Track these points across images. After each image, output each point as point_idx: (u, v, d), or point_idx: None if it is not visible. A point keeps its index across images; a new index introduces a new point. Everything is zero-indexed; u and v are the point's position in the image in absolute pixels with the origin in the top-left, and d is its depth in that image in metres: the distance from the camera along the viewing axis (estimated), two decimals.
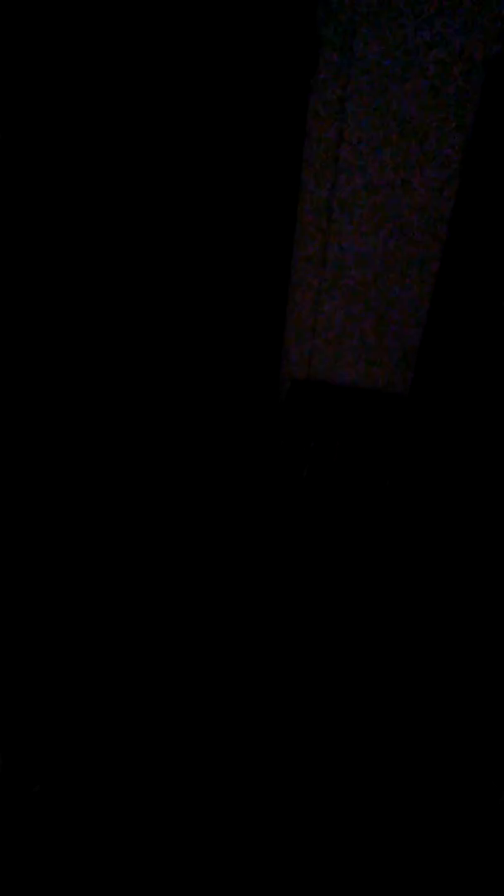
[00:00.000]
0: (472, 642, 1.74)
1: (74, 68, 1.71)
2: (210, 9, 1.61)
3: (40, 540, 2.04)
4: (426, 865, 1.32)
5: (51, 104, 1.76)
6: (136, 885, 1.34)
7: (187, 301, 2.10)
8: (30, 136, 1.81)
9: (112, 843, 1.40)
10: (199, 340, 2.19)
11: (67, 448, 2.30)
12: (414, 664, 1.70)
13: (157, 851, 1.39)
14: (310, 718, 1.59)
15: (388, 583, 1.88)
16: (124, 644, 1.76)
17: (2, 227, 1.96)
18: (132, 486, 2.24)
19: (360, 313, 2.08)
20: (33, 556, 1.98)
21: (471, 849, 1.36)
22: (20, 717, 1.58)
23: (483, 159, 1.65)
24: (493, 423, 1.85)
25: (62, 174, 1.87)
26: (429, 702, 1.62)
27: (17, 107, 1.77)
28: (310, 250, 1.98)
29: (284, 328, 2.21)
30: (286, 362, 2.28)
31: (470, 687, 1.65)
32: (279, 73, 1.67)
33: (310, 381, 2.28)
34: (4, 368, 2.19)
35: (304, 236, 1.95)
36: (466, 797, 1.43)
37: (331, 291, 2.07)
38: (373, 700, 1.63)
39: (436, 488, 1.96)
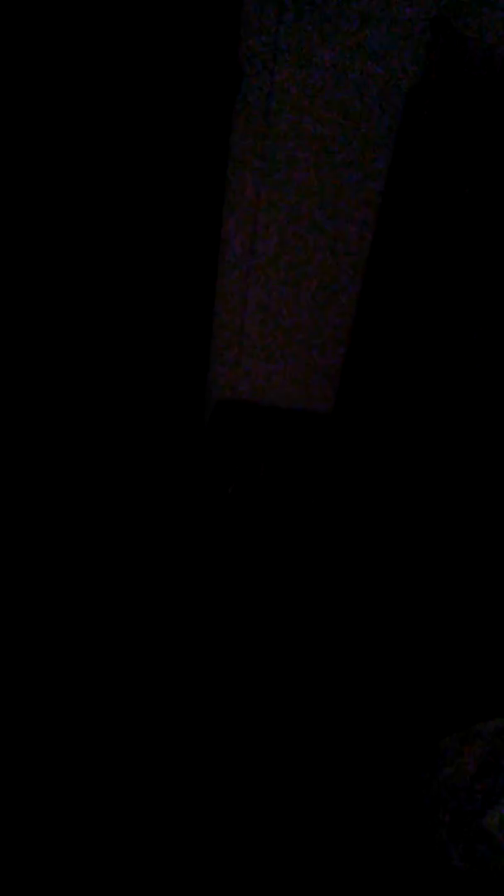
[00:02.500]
0: (400, 652, 1.73)
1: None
2: (146, 38, 1.63)
3: None
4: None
5: None
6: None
7: (110, 322, 2.06)
8: None
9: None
10: (120, 361, 2.14)
11: None
12: (345, 675, 1.67)
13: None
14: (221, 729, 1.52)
15: (312, 592, 1.85)
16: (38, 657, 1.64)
17: None
18: (50, 505, 2.13)
19: (285, 334, 2.10)
20: None
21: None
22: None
23: (402, 187, 1.72)
24: (411, 439, 1.88)
25: None
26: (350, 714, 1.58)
27: None
28: (234, 269, 1.99)
29: (210, 349, 2.20)
30: (212, 383, 2.27)
31: (390, 690, 1.62)
32: (204, 100, 1.70)
33: (235, 401, 2.27)
34: None
35: (228, 253, 1.96)
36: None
37: (255, 313, 2.08)
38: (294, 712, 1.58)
39: (358, 502, 1.97)
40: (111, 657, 1.70)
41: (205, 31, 1.62)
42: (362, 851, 1.34)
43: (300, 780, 1.47)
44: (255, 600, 1.83)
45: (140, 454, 2.29)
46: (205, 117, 1.73)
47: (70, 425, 2.22)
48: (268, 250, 1.95)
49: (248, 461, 2.06)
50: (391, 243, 1.75)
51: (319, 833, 1.38)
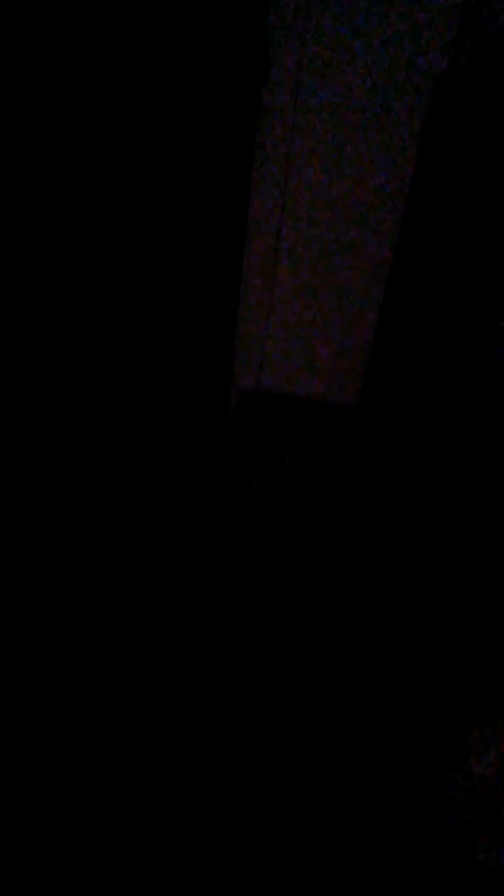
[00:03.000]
0: (424, 645, 1.74)
1: (40, 80, 1.69)
2: (176, 26, 1.62)
3: None
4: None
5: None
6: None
7: (136, 312, 2.07)
8: None
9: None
10: (147, 352, 2.15)
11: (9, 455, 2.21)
12: (368, 669, 1.68)
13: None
14: (255, 719, 1.54)
15: (338, 587, 1.86)
16: (65, 652, 1.68)
17: None
18: (75, 496, 2.17)
19: (311, 326, 2.10)
20: None
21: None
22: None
23: (429, 175, 1.69)
24: (439, 433, 1.87)
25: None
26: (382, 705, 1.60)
27: None
28: (260, 260, 1.99)
29: (235, 340, 2.20)
30: (237, 374, 2.27)
31: (422, 688, 1.63)
32: (232, 88, 1.69)
33: (260, 392, 2.27)
34: None
35: (254, 246, 1.96)
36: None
37: (281, 303, 2.08)
38: (324, 703, 1.60)
39: (385, 496, 1.97)
40: (130, 646, 1.73)
41: (232, 18, 1.61)
42: (385, 844, 1.36)
43: (325, 770, 1.49)
44: (279, 591, 1.85)
45: (164, 443, 2.31)
46: (230, 104, 1.72)
47: (93, 414, 2.25)
48: (294, 239, 1.94)
49: (274, 453, 2.07)
50: (420, 234, 1.73)
51: (342, 824, 1.40)
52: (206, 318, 2.10)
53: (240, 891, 1.29)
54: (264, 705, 1.61)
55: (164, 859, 1.35)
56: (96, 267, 1.99)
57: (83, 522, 2.08)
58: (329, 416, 2.16)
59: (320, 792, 1.45)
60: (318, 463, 2.03)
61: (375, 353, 1.98)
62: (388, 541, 1.94)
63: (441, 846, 1.27)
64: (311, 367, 2.18)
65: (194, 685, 1.65)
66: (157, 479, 2.25)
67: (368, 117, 1.70)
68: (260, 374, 2.24)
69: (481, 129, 1.42)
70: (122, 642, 1.74)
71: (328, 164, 1.78)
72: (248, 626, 1.79)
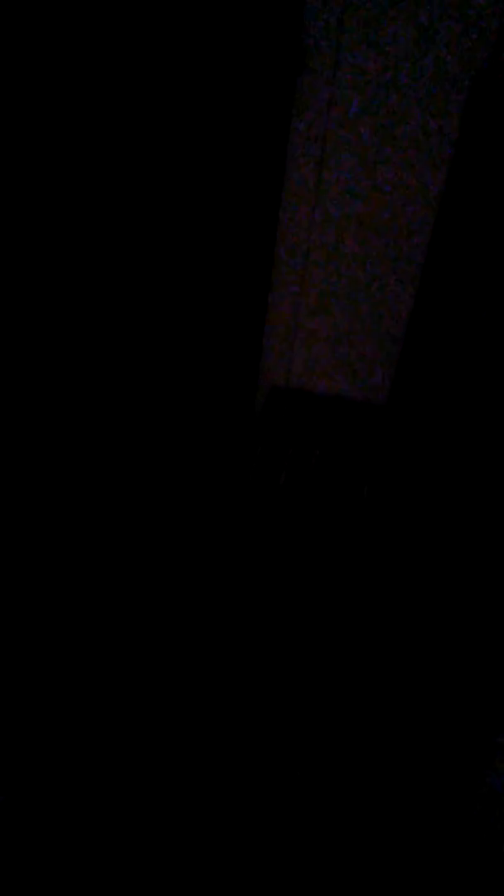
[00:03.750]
0: (451, 646, 1.73)
1: (77, 81, 1.69)
2: (205, 18, 1.61)
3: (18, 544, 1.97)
4: (426, 863, 1.30)
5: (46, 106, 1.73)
6: (137, 885, 1.30)
7: (163, 304, 2.08)
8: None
9: (113, 843, 1.37)
10: (174, 344, 2.16)
11: (33, 450, 2.23)
12: (395, 667, 1.68)
13: (158, 852, 1.36)
14: (286, 720, 1.55)
15: (364, 586, 1.86)
16: (98, 648, 1.70)
17: None
18: (102, 491, 2.19)
19: (341, 322, 2.09)
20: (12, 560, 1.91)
21: (469, 844, 1.33)
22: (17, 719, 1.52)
23: (467, 173, 1.67)
24: (470, 433, 1.86)
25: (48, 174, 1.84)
26: (408, 705, 1.60)
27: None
28: (291, 255, 1.98)
29: (263, 335, 2.20)
30: (266, 370, 2.27)
31: (449, 687, 1.63)
32: (265, 78, 1.68)
33: (289, 388, 2.27)
34: None
35: (285, 240, 1.95)
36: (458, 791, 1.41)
37: (312, 298, 2.07)
38: (350, 700, 1.60)
39: (413, 496, 1.96)
40: (152, 639, 1.75)
41: (267, 10, 1.59)
42: (419, 845, 1.36)
43: (360, 769, 1.50)
44: (304, 587, 1.86)
45: (191, 439, 2.32)
46: (265, 98, 1.71)
47: (122, 407, 2.26)
48: (326, 235, 1.93)
49: (301, 449, 2.07)
50: (455, 231, 1.71)
51: (376, 824, 1.41)
52: (235, 313, 2.10)
53: (240, 890, 1.31)
54: (288, 703, 1.62)
55: (164, 858, 1.36)
56: (130, 263, 2.00)
57: (111, 516, 2.10)
58: (357, 413, 2.15)
59: (358, 787, 1.46)
60: (346, 460, 2.03)
61: (406, 352, 1.97)
62: (415, 541, 1.93)
63: (475, 847, 1.27)
64: (339, 363, 2.17)
65: (218, 679, 1.66)
66: (185, 473, 2.26)
67: (405, 111, 1.68)
68: (289, 369, 2.23)
69: None
70: (145, 635, 1.76)
71: (363, 158, 1.77)
72: (273, 621, 1.79)
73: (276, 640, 1.74)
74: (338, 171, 1.80)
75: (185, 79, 1.69)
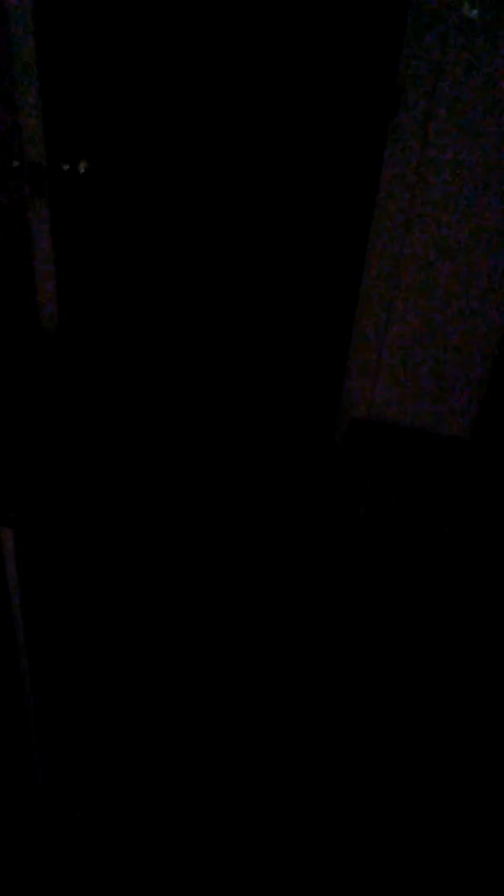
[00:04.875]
0: None
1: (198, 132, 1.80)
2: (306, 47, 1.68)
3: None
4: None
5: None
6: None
7: (251, 339, 2.14)
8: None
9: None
10: (259, 378, 2.22)
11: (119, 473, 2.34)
12: (457, 706, 1.64)
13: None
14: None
15: (441, 623, 1.83)
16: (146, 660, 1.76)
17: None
18: (186, 515, 2.26)
19: (426, 355, 2.08)
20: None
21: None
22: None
23: None
24: None
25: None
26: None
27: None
28: (377, 288, 2.00)
29: (346, 367, 2.22)
30: (347, 401, 2.29)
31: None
32: (359, 113, 1.72)
33: (369, 420, 2.28)
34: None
35: (372, 273, 1.97)
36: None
37: (395, 332, 2.07)
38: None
39: (495, 532, 1.92)
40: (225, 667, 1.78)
41: (363, 46, 1.64)
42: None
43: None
44: (380, 620, 1.84)
45: (271, 468, 2.36)
46: (359, 133, 1.75)
47: (200, 433, 2.34)
48: (413, 268, 1.94)
49: (381, 482, 2.07)
50: None
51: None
52: (318, 345, 2.13)
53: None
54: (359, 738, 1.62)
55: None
56: (226, 283, 2.08)
57: (192, 539, 2.17)
58: (439, 447, 2.13)
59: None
60: (426, 496, 2.01)
61: (493, 387, 1.94)
62: (492, 583, 1.89)
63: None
64: (422, 397, 2.16)
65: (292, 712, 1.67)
66: (265, 503, 2.31)
67: (501, 141, 1.67)
68: (370, 402, 2.24)
69: None
70: (220, 664, 1.80)
71: (455, 186, 1.77)
72: (348, 655, 1.79)
73: (350, 669, 1.74)
74: (429, 203, 1.81)
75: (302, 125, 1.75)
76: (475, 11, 1.52)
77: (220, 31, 1.68)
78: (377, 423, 2.25)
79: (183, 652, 1.82)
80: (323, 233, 1.93)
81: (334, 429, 2.34)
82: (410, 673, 1.75)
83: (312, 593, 1.97)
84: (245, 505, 2.30)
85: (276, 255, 1.99)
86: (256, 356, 2.19)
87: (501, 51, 1.55)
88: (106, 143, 1.92)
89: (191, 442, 2.37)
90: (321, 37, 1.65)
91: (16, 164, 1.93)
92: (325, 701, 1.70)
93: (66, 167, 1.94)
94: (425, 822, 1.45)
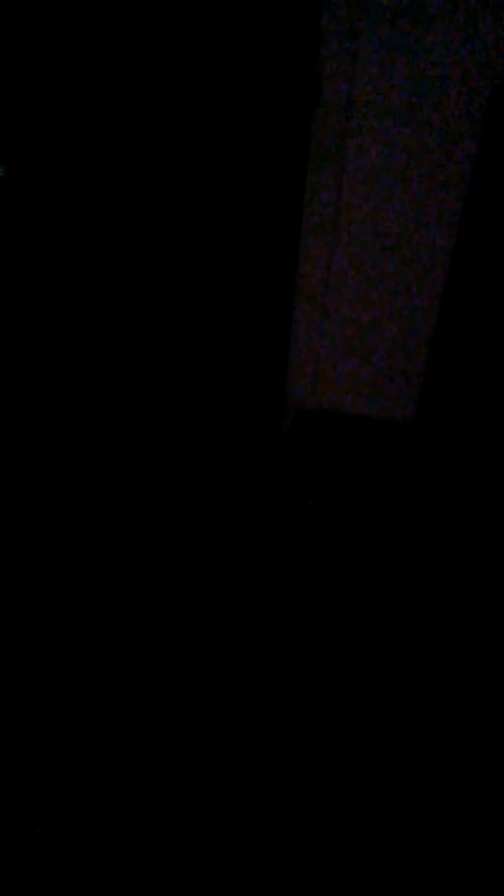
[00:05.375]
0: (475, 669, 1.67)
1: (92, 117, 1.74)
2: (221, 42, 1.64)
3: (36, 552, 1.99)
4: (426, 863, 1.25)
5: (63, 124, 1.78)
6: (137, 884, 1.30)
7: (187, 333, 2.09)
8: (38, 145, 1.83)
9: (113, 846, 1.36)
10: (199, 370, 2.17)
11: (64, 468, 2.26)
12: (414, 690, 1.63)
13: (158, 856, 1.35)
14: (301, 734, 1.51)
15: (393, 608, 1.81)
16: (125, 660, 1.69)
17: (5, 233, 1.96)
18: (129, 509, 2.20)
19: (366, 341, 2.07)
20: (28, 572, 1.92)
21: (468, 844, 1.27)
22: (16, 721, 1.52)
23: (484, 191, 1.65)
24: (500, 448, 1.81)
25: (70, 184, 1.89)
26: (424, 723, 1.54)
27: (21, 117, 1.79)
28: (313, 277, 1.98)
29: (288, 357, 2.19)
30: (291, 393, 2.26)
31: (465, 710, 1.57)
32: (282, 104, 1.69)
33: (314, 410, 2.25)
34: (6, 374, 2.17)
35: (307, 263, 1.95)
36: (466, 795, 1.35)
37: (334, 320, 2.06)
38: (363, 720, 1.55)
39: (443, 514, 1.91)
40: (182, 657, 1.73)
41: (282, 42, 1.61)
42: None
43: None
44: (333, 610, 1.82)
45: (215, 463, 2.31)
46: (283, 124, 1.72)
47: (146, 431, 2.28)
48: (347, 255, 1.92)
49: (329, 472, 2.04)
50: (476, 247, 1.69)
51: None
52: (258, 337, 2.10)
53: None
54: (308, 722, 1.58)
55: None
56: (158, 277, 2.02)
57: (136, 538, 2.10)
58: (385, 432, 2.12)
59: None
60: (374, 481, 1.99)
61: (431, 367, 1.94)
62: (446, 563, 1.88)
63: None
64: (365, 383, 2.15)
65: (248, 700, 1.63)
66: (211, 498, 2.26)
67: (423, 128, 1.67)
68: (314, 391, 2.22)
69: None
70: (174, 653, 1.75)
71: (382, 176, 1.76)
72: (303, 644, 1.76)
73: (305, 658, 1.71)
74: (357, 190, 1.80)
75: (208, 115, 1.71)
76: None
77: (132, 26, 1.64)
78: (322, 413, 2.23)
79: (135, 647, 1.75)
80: (253, 231, 1.89)
81: (280, 422, 2.31)
82: (367, 661, 1.73)
83: (266, 588, 1.93)
84: (193, 502, 2.25)
85: (206, 255, 1.95)
86: (196, 355, 2.14)
87: (416, 35, 1.54)
88: (21, 148, 1.84)
89: (134, 440, 2.30)
90: (237, 33, 1.62)
91: None
92: (286, 693, 1.66)
93: None
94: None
